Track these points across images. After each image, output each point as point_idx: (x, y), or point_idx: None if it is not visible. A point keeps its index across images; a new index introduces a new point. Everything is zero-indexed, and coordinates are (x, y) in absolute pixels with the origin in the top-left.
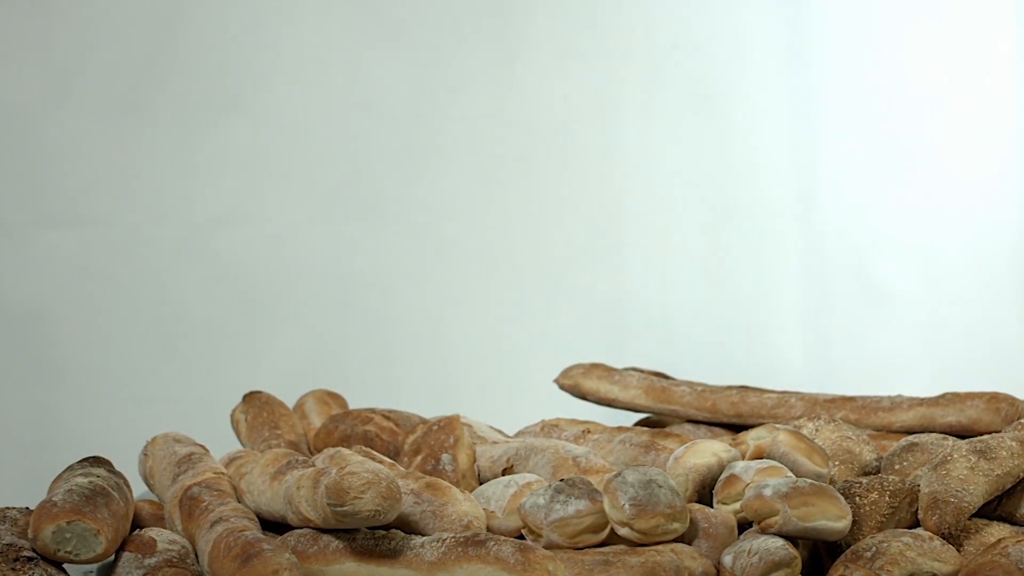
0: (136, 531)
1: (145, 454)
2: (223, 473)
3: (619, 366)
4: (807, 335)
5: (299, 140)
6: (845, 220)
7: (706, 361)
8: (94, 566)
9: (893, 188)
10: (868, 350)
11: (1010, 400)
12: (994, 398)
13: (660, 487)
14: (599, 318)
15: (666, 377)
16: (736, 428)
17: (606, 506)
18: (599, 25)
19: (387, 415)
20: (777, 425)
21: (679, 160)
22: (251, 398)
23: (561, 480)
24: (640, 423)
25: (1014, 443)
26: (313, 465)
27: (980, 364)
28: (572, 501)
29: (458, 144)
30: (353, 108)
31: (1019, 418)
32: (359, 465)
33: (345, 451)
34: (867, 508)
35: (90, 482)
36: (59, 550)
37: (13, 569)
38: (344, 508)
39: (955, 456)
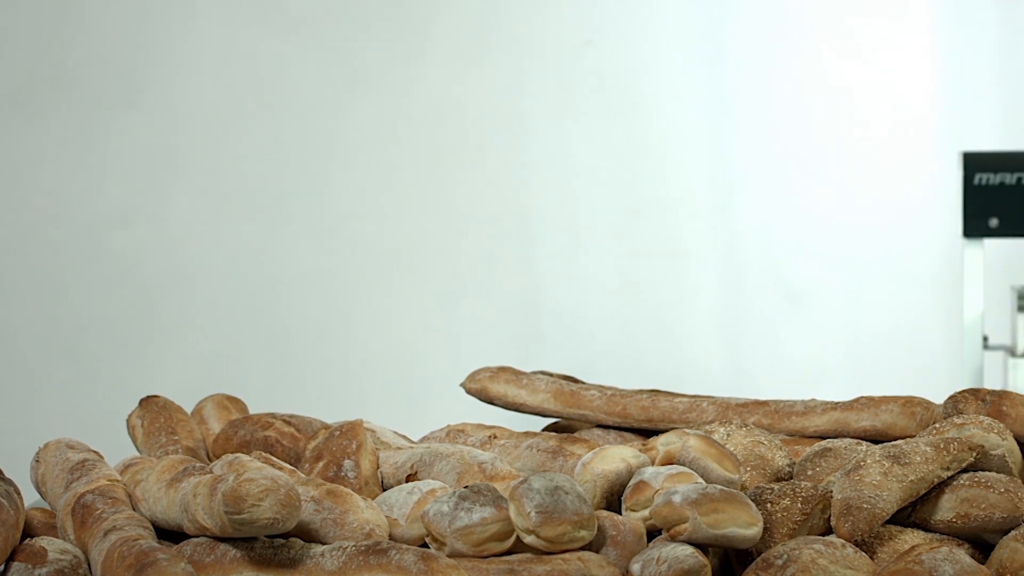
0: (27, 540)
1: (37, 460)
2: (118, 480)
3: (528, 370)
4: (722, 338)
5: (198, 137)
6: (762, 222)
7: (618, 365)
8: None
9: (811, 190)
10: (784, 354)
11: (925, 404)
12: (909, 402)
13: (567, 494)
14: (508, 321)
15: (575, 381)
16: (647, 433)
17: (512, 513)
18: (508, 19)
19: (288, 420)
20: (688, 430)
21: (591, 159)
22: (147, 402)
23: (466, 487)
24: (549, 428)
25: (928, 448)
26: (211, 472)
27: (898, 368)
28: (477, 508)
29: (363, 142)
30: (255, 105)
31: (934, 423)
32: (257, 472)
33: (244, 457)
34: (779, 515)
35: None
36: None
37: None
38: (241, 516)
39: (868, 462)
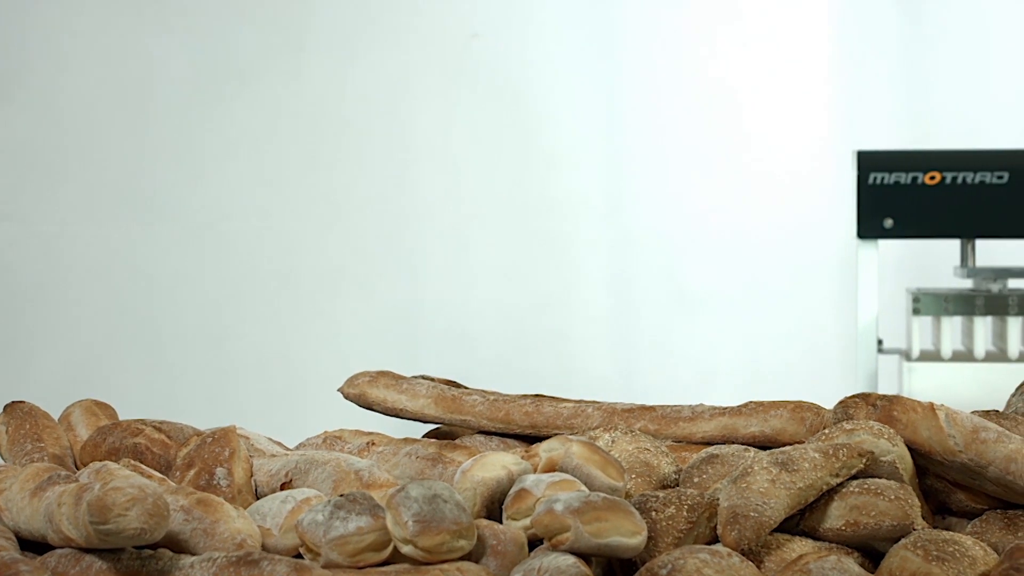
0: None
1: None
2: None
3: (410, 374)
4: (612, 342)
5: (71, 134)
6: (653, 222)
7: (504, 369)
8: None
9: (704, 190)
10: (676, 358)
11: (815, 409)
12: (799, 407)
13: (446, 502)
14: (390, 323)
15: (457, 386)
16: (530, 439)
17: (389, 523)
18: (392, 11)
19: (158, 427)
20: (571, 436)
21: (477, 157)
22: (12, 408)
23: (341, 495)
24: (429, 434)
25: (817, 455)
26: (77, 480)
27: (793, 372)
28: (353, 517)
29: (240, 139)
30: (129, 100)
31: (824, 428)
32: (124, 480)
33: (112, 465)
34: (664, 523)
35: None
36: None
37: None
38: (107, 526)
39: (756, 468)
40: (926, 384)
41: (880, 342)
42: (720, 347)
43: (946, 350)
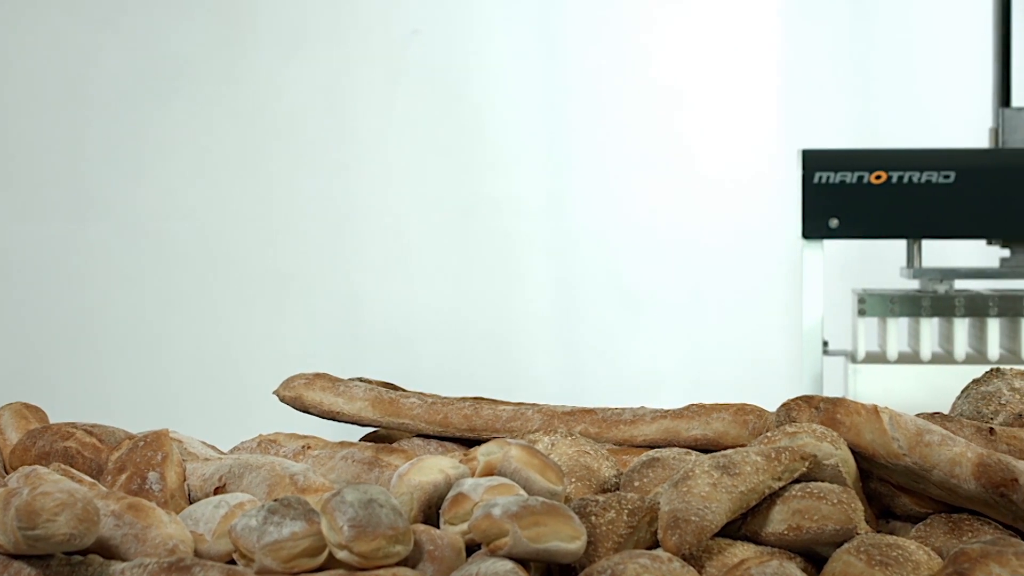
0: None
1: None
2: None
3: (349, 377)
4: (555, 344)
5: (5, 129)
6: (597, 223)
7: (445, 372)
8: None
9: (649, 190)
10: (620, 360)
11: (758, 412)
12: (741, 410)
13: (382, 507)
14: (327, 325)
15: (395, 388)
16: (469, 443)
17: (324, 528)
18: (332, 6)
19: (90, 430)
20: (510, 440)
21: (418, 155)
22: None
23: (276, 500)
24: (367, 438)
25: (759, 458)
26: (5, 485)
27: (738, 374)
28: (287, 523)
29: (177, 136)
30: (65, 95)
31: (767, 431)
32: (53, 485)
33: (42, 469)
34: (604, 528)
35: None
36: None
37: None
38: (36, 531)
39: (697, 472)
40: (872, 386)
41: (825, 344)
42: (664, 349)
43: (892, 352)
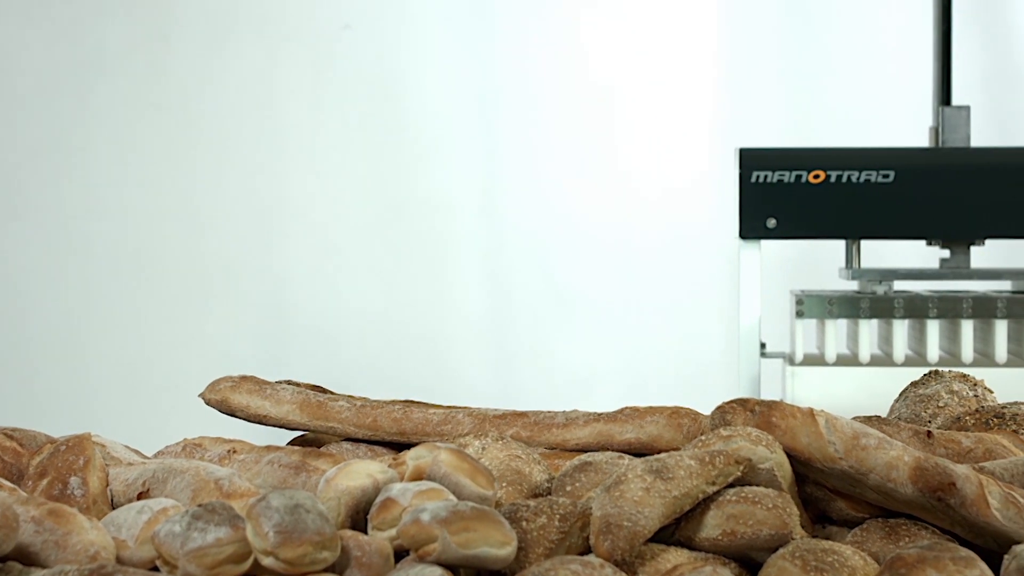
0: None
1: None
2: None
3: (276, 379)
4: (487, 346)
5: None
6: (530, 223)
7: (375, 374)
8: None
9: (584, 188)
10: (554, 362)
11: (692, 415)
12: (675, 413)
13: (308, 512)
14: (254, 326)
15: (324, 391)
16: (399, 447)
17: (249, 534)
18: (260, 0)
19: (9, 434)
20: (439, 443)
21: (347, 153)
22: None
23: (200, 505)
24: (294, 441)
25: (693, 462)
26: None
27: (675, 377)
28: (211, 528)
29: (99, 133)
30: None
31: (702, 435)
32: None
33: None
34: (535, 533)
35: None
36: None
37: None
38: None
39: (630, 476)
40: (810, 389)
41: (763, 346)
42: (599, 351)
43: (830, 354)
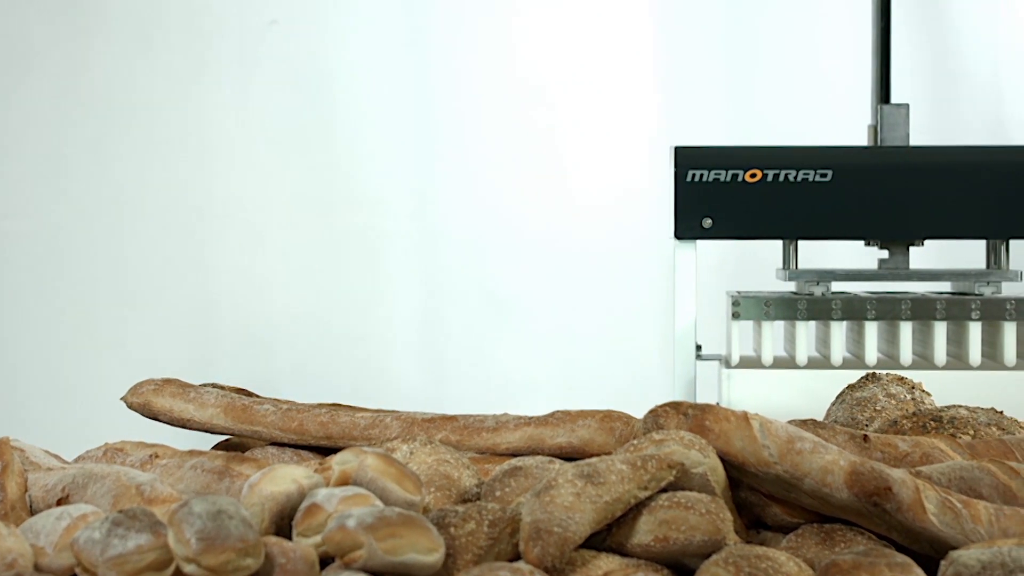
0: None
1: None
2: None
3: (200, 382)
4: (420, 348)
5: None
6: (465, 222)
7: (304, 377)
8: None
9: (520, 188)
10: (488, 365)
11: (625, 419)
12: (607, 417)
13: (231, 518)
14: (180, 328)
15: (249, 394)
16: (326, 451)
17: (170, 540)
18: None
19: None
20: (366, 448)
21: (276, 150)
22: None
23: (121, 511)
24: (219, 446)
25: (625, 466)
26: None
27: (610, 380)
28: (132, 535)
29: (18, 129)
30: None
31: (634, 439)
32: None
33: None
34: (463, 539)
35: None
36: None
37: None
38: None
39: (560, 481)
40: (746, 392)
41: (699, 348)
42: (533, 354)
43: (767, 356)
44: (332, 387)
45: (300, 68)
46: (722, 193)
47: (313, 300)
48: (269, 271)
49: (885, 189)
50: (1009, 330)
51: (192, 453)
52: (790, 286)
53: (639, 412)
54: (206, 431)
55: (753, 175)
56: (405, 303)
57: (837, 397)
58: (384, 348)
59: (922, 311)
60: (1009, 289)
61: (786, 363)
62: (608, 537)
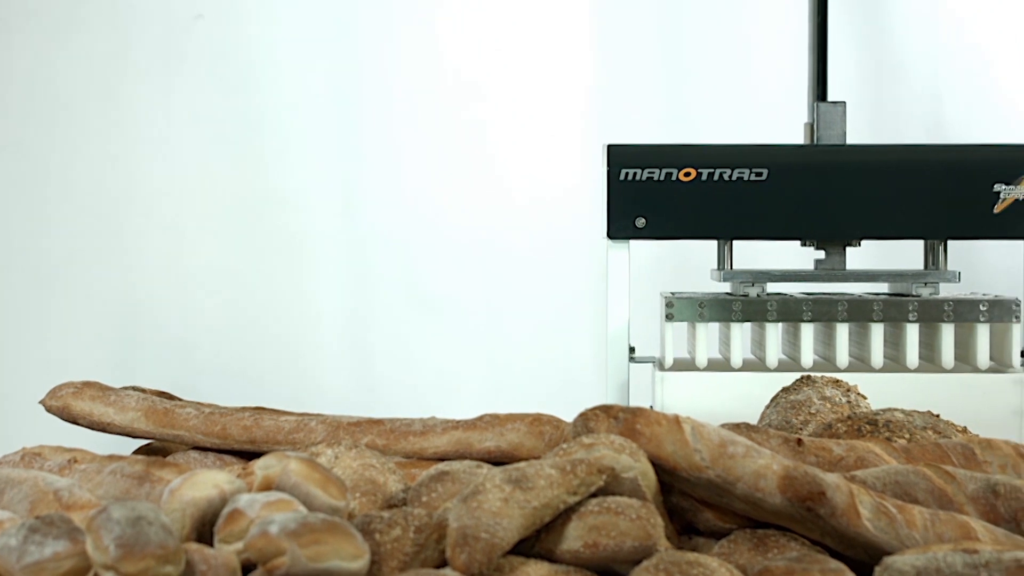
0: None
1: None
2: None
3: (121, 385)
4: (347, 351)
5: None
6: (393, 221)
7: (228, 379)
8: None
9: (450, 188)
10: (417, 368)
11: (554, 423)
12: (537, 420)
13: (151, 524)
14: (100, 328)
15: (171, 398)
16: (250, 456)
17: (89, 547)
18: None
19: None
20: (290, 452)
21: (200, 147)
22: None
23: (38, 518)
24: (140, 450)
25: (554, 471)
26: None
27: (542, 382)
28: (49, 542)
29: None
30: None
31: (563, 443)
32: None
33: None
34: (389, 546)
35: None
36: None
37: None
38: None
39: (488, 486)
40: (680, 394)
41: (632, 350)
42: (463, 356)
43: (701, 358)
44: (256, 390)
45: (225, 64)
46: (656, 192)
47: (237, 301)
48: (192, 271)
49: (821, 188)
50: (947, 332)
51: (112, 458)
52: (725, 287)
53: (571, 416)
54: (126, 435)
55: (687, 174)
56: (331, 304)
57: (771, 400)
58: (310, 350)
59: (859, 312)
60: (947, 290)
61: (721, 365)
62: (537, 543)
